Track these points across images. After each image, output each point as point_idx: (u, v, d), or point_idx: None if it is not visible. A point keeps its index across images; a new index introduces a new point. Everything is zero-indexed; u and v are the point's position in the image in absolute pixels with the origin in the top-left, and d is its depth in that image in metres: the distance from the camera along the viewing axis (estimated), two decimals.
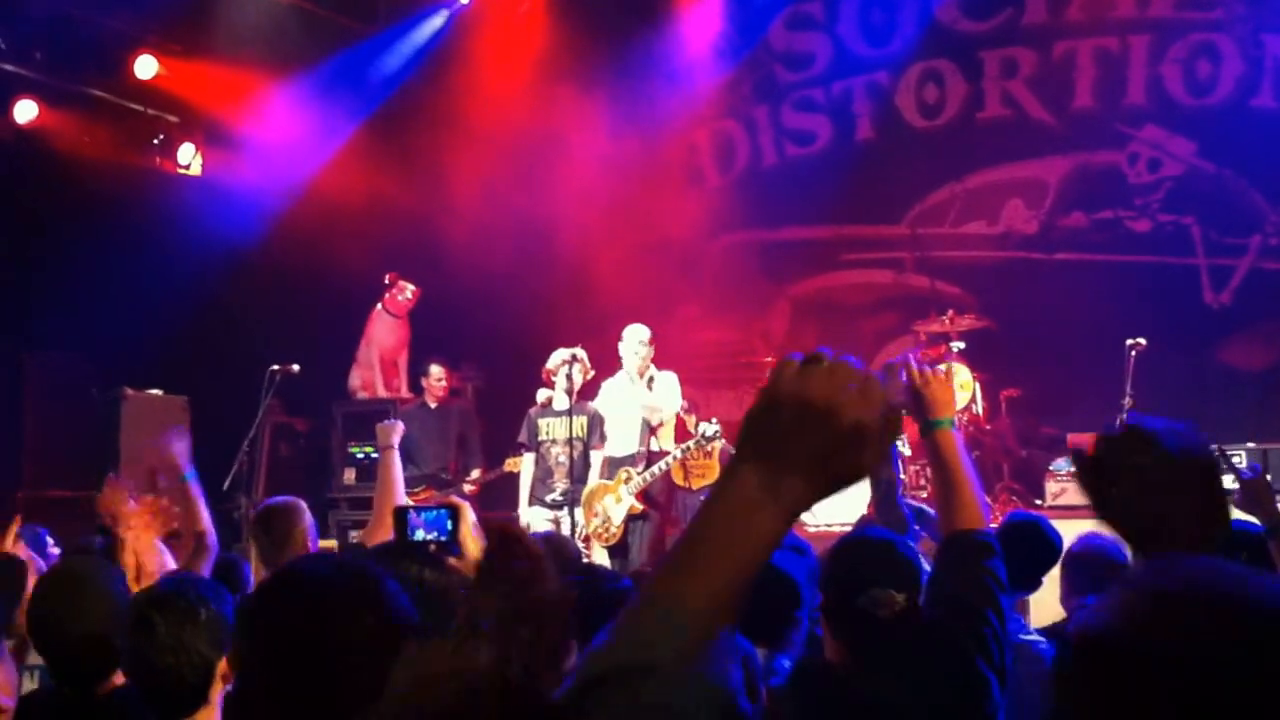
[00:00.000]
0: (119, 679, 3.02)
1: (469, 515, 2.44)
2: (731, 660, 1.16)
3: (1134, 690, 1.11)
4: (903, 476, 9.15)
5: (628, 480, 8.07)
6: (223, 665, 2.67)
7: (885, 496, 3.64)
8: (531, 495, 8.42)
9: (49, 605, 3.15)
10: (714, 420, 7.97)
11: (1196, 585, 1.15)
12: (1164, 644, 1.10)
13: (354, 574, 1.81)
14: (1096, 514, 1.58)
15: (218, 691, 2.69)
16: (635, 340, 8.46)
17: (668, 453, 8.34)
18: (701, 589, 1.21)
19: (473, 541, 2.40)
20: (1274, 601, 1.11)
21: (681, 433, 8.69)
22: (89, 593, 3.11)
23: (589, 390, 8.60)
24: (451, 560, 2.42)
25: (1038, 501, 8.74)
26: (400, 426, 4.74)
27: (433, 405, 9.71)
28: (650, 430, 8.38)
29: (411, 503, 9.18)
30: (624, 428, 8.38)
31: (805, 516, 7.92)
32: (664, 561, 1.27)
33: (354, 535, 9.80)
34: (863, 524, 6.07)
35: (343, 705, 1.65)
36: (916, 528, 4.00)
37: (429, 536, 2.43)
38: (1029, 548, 4.20)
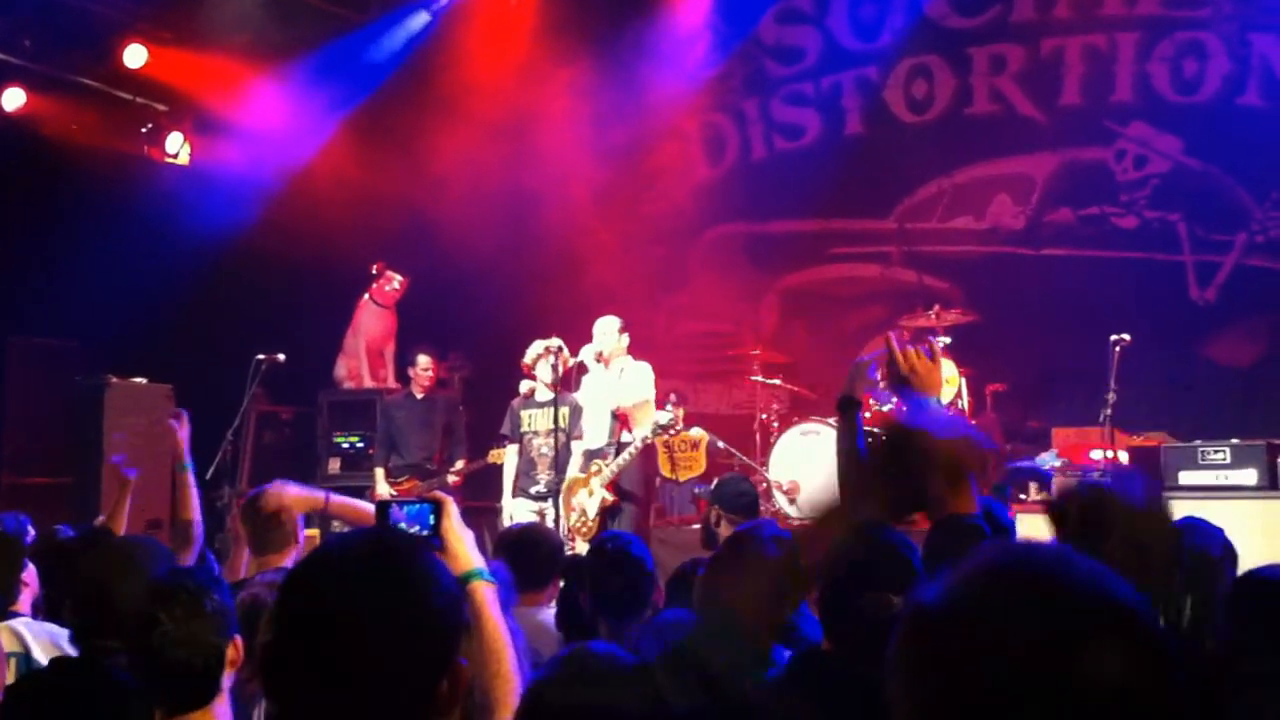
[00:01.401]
0: None
1: (453, 510, 2.44)
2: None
3: (945, 659, 1.14)
4: None
5: (598, 473, 8.07)
6: (230, 651, 2.70)
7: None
8: (515, 487, 8.41)
9: (100, 578, 3.18)
10: (669, 408, 7.93)
11: (1017, 565, 1.18)
12: (973, 617, 1.13)
13: (389, 553, 1.80)
14: None
15: (227, 677, 2.72)
16: (599, 331, 8.44)
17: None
18: None
19: (456, 536, 2.40)
20: (1085, 588, 1.14)
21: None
22: (140, 569, 3.12)
23: (575, 382, 8.59)
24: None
25: (1022, 496, 8.78)
26: (289, 488, 4.58)
27: (419, 395, 9.71)
28: (619, 420, 8.32)
29: (395, 493, 9.12)
30: (597, 419, 8.36)
31: (790, 510, 7.89)
32: None
33: (336, 526, 9.80)
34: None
35: (384, 687, 1.67)
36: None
37: (411, 530, 2.43)
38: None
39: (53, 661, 3.24)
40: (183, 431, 4.95)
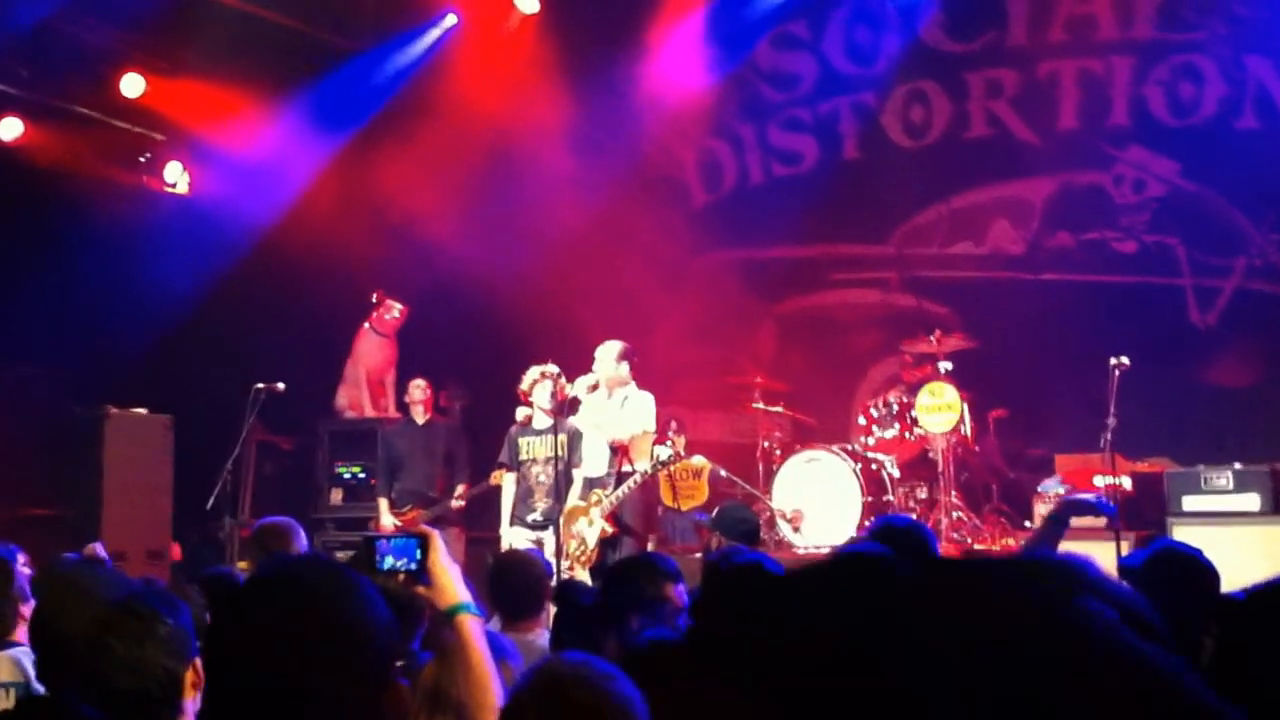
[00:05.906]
0: None
1: (439, 544, 2.43)
2: None
3: None
4: (891, 498, 9.15)
5: (598, 503, 8.02)
6: (190, 674, 2.65)
7: None
8: (513, 515, 8.37)
9: (51, 608, 3.14)
10: (669, 442, 7.92)
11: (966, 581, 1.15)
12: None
13: (332, 575, 1.82)
14: None
15: (189, 700, 2.67)
16: (599, 356, 8.39)
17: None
18: None
19: (442, 570, 2.39)
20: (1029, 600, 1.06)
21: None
22: (90, 599, 3.07)
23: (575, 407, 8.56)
24: (420, 589, 2.42)
25: (1026, 523, 8.74)
26: None
27: (420, 421, 9.67)
28: (616, 450, 8.27)
29: (400, 523, 9.06)
30: (597, 447, 8.32)
31: (794, 538, 7.88)
32: None
33: (340, 556, 9.75)
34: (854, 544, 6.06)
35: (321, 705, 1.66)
36: None
37: (398, 564, 2.42)
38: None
39: (20, 703, 3.21)
40: None
